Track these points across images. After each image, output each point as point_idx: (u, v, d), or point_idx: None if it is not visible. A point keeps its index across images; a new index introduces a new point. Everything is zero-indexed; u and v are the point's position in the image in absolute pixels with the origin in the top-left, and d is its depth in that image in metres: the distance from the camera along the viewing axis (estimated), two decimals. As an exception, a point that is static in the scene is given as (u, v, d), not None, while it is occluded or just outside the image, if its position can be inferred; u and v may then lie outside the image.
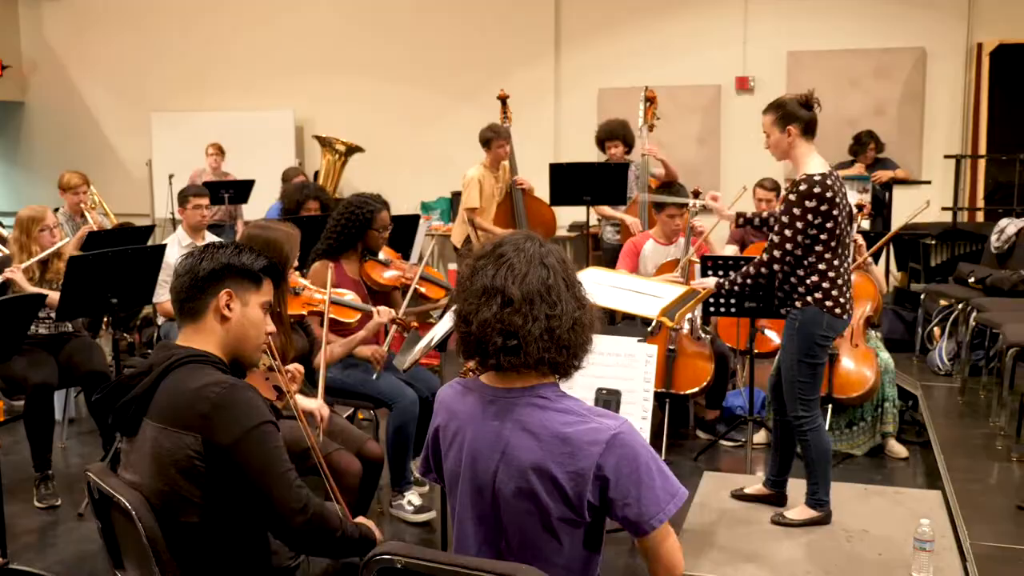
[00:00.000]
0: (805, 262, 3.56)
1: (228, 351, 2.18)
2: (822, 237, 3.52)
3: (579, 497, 1.82)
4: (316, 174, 9.24)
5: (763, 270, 3.59)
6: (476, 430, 1.92)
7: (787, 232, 3.50)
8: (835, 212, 3.50)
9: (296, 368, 3.08)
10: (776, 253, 3.53)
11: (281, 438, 2.08)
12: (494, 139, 6.50)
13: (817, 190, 3.46)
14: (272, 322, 2.28)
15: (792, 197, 3.50)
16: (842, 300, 3.59)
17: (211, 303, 2.15)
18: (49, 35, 10.77)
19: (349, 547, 2.19)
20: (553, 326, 1.84)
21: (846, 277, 3.63)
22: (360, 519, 2.35)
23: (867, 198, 6.48)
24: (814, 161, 3.58)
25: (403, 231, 5.36)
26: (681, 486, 1.86)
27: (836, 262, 3.57)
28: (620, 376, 2.82)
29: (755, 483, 4.16)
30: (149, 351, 6.56)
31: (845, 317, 3.63)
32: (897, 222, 7.45)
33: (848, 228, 3.63)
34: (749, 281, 3.63)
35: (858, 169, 7.47)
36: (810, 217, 3.47)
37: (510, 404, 1.89)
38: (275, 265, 2.28)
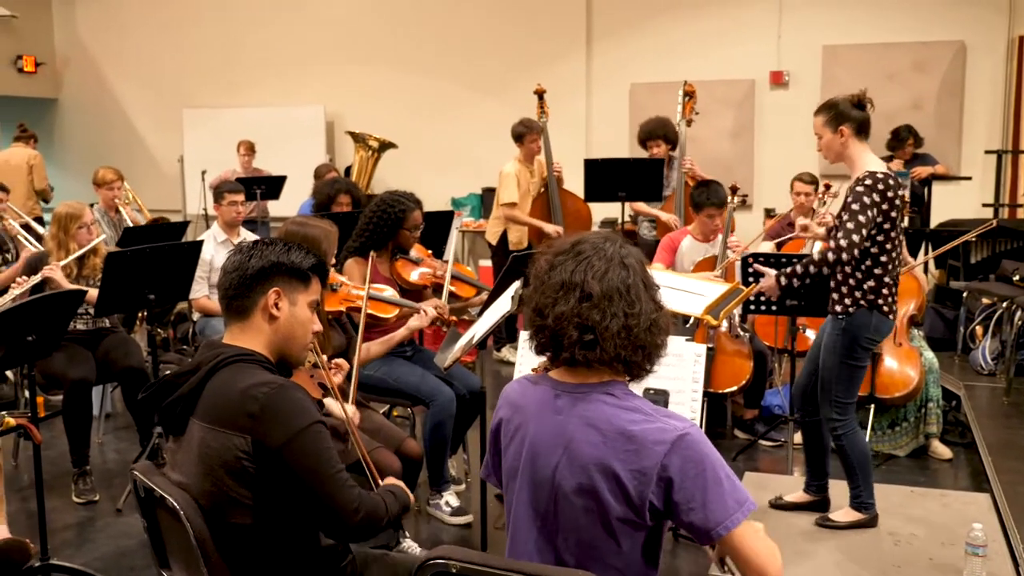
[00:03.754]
0: (863, 265, 3.51)
1: (275, 350, 2.14)
2: (879, 238, 3.48)
3: (641, 497, 1.78)
4: (348, 170, 9.23)
5: (826, 265, 3.48)
6: (540, 423, 1.89)
7: (850, 225, 3.42)
8: (893, 213, 3.47)
9: (341, 361, 3.05)
10: (843, 243, 3.42)
11: (331, 438, 2.05)
12: (527, 134, 6.49)
13: (880, 187, 3.42)
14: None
15: (859, 189, 3.43)
16: (891, 301, 3.55)
17: (259, 302, 2.11)
18: (82, 32, 10.85)
19: (396, 522, 2.22)
20: (631, 324, 1.81)
21: (895, 277, 3.57)
22: (389, 480, 2.33)
23: (906, 194, 6.37)
24: (872, 160, 3.54)
25: (436, 228, 5.32)
26: (749, 496, 1.81)
27: (890, 265, 3.53)
28: (668, 376, 2.76)
29: (795, 485, 4.09)
30: (184, 347, 6.58)
31: (891, 318, 3.58)
32: (936, 219, 7.36)
33: (901, 229, 3.57)
34: (812, 270, 3.52)
35: (896, 165, 7.36)
36: (872, 213, 3.42)
37: (577, 399, 1.86)
38: (323, 263, 2.24)
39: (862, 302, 3.52)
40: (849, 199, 3.48)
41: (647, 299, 1.85)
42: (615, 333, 1.80)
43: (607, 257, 1.85)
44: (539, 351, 1.91)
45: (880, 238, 3.47)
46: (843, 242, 3.43)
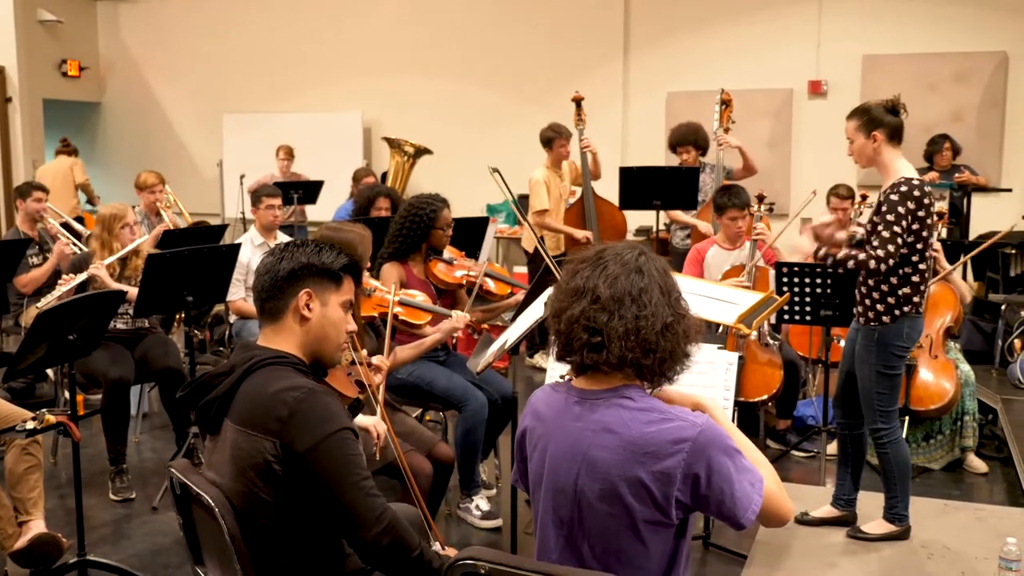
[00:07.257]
0: (900, 271, 3.48)
1: (308, 351, 2.17)
2: (915, 244, 3.46)
3: (666, 498, 1.79)
4: (384, 175, 9.30)
5: (867, 272, 3.46)
6: (560, 431, 1.91)
7: (886, 234, 3.40)
8: (929, 220, 3.45)
9: (380, 360, 3.07)
10: (882, 253, 3.39)
11: (360, 445, 2.07)
12: (555, 139, 6.46)
13: (916, 193, 3.40)
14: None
15: (894, 197, 3.41)
16: (920, 302, 3.55)
17: (291, 303, 2.14)
18: (126, 37, 11.04)
19: (424, 571, 2.07)
20: (640, 326, 1.82)
21: (927, 280, 3.59)
22: (450, 551, 2.29)
23: (944, 206, 6.30)
24: (905, 166, 3.51)
25: (470, 233, 5.35)
26: (757, 471, 1.86)
27: (927, 272, 3.52)
28: (699, 384, 2.76)
29: (827, 496, 4.05)
30: (220, 348, 6.66)
31: (920, 312, 3.58)
32: (975, 231, 7.26)
33: (935, 235, 3.56)
34: (850, 266, 3.47)
35: (932, 176, 7.29)
36: (906, 221, 3.40)
37: (594, 405, 1.88)
38: (356, 263, 2.27)
39: (896, 311, 3.50)
40: (883, 207, 3.45)
41: (662, 304, 1.86)
42: (621, 334, 1.82)
43: (623, 263, 1.88)
44: (558, 357, 1.95)
45: (915, 242, 3.45)
46: (880, 252, 3.40)
